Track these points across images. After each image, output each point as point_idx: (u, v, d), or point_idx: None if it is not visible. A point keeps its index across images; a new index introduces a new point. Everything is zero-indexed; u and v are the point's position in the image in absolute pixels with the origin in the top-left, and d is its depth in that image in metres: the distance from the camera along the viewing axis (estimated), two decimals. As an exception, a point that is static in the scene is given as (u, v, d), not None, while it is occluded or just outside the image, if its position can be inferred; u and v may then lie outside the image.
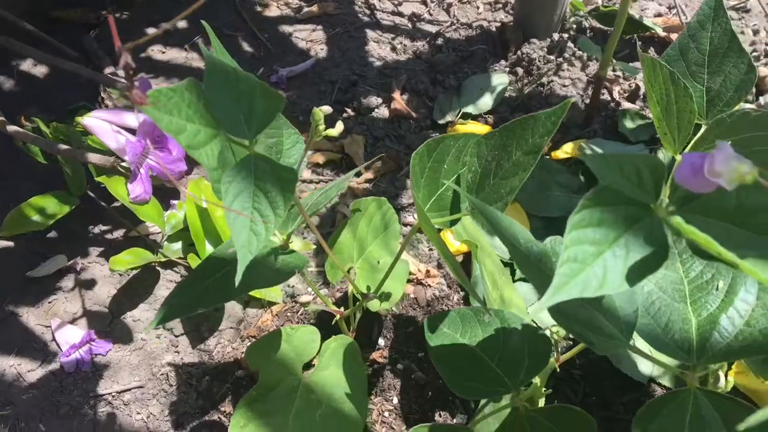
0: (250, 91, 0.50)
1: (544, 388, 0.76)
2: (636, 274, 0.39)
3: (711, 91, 0.67)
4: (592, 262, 0.39)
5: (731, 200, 0.40)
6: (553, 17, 1.30)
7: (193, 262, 1.04)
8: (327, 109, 0.57)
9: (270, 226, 0.47)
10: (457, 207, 0.64)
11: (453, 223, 0.65)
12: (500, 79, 1.26)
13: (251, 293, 1.05)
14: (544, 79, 1.27)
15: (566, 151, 1.13)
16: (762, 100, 1.20)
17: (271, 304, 1.05)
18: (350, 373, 0.74)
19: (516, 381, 0.60)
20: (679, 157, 0.69)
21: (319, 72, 1.36)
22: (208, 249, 1.06)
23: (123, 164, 1.04)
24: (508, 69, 1.31)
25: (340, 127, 0.58)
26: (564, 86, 1.26)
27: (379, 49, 1.40)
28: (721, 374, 0.61)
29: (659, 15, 1.38)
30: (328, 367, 0.74)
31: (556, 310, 0.50)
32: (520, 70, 1.29)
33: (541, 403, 0.72)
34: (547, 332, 0.64)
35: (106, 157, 1.03)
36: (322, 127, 0.56)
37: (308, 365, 0.77)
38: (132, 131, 1.05)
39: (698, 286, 0.56)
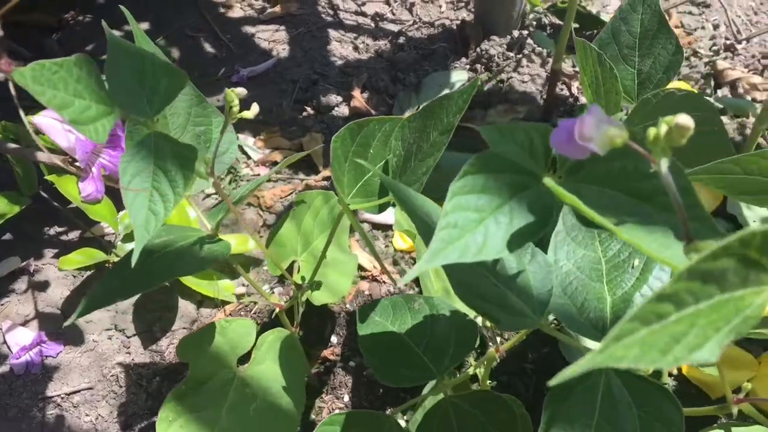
0: (154, 71, 0.49)
1: (489, 380, 0.75)
2: (517, 240, 0.39)
3: (642, 73, 0.67)
4: (474, 228, 0.39)
5: (616, 168, 0.40)
6: (512, 14, 1.30)
7: (144, 260, 1.03)
8: (241, 91, 0.56)
9: (169, 204, 0.46)
10: (385, 191, 0.64)
11: (382, 208, 0.64)
12: (459, 76, 1.26)
13: (204, 293, 1.04)
14: (504, 76, 1.26)
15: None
16: (720, 92, 1.20)
17: (224, 303, 1.04)
18: (287, 366, 0.72)
19: (441, 367, 0.59)
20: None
21: (281, 71, 1.35)
22: (161, 248, 1.04)
23: (75, 163, 1.03)
24: (468, 66, 1.31)
25: (255, 109, 0.58)
26: (523, 82, 1.25)
27: (342, 48, 1.40)
28: None
29: (620, 11, 1.38)
30: (264, 361, 0.73)
31: (457, 285, 0.49)
32: (480, 67, 1.29)
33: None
34: (479, 320, 0.63)
35: (56, 155, 1.02)
36: (236, 108, 0.56)
37: (245, 359, 0.75)
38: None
39: (615, 265, 0.56)
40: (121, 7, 0.63)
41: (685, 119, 0.33)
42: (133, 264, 0.44)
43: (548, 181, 0.37)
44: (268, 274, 1.05)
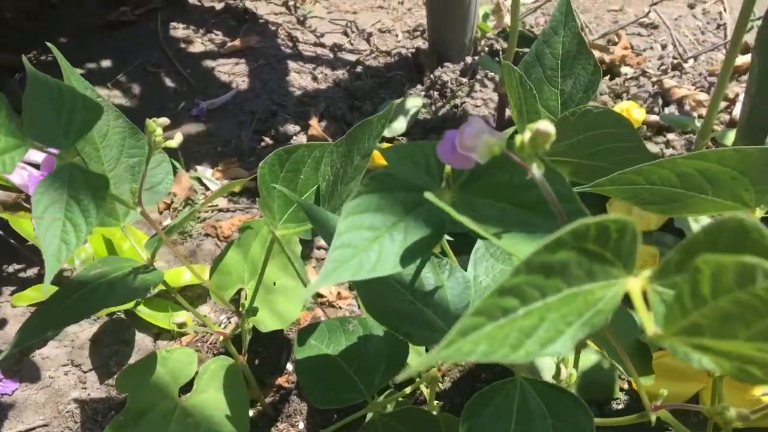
0: (72, 104, 0.51)
1: (435, 401, 0.76)
2: (411, 255, 0.40)
3: (564, 93, 0.69)
4: (368, 247, 0.40)
5: (504, 180, 0.41)
6: (464, 41, 1.33)
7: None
8: (164, 120, 0.57)
9: (81, 234, 0.47)
10: (317, 216, 0.65)
11: (315, 233, 0.65)
12: (414, 102, 1.28)
13: (161, 325, 1.04)
14: (458, 101, 1.29)
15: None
16: (667, 110, 1.22)
17: (181, 335, 1.04)
18: (231, 395, 0.72)
19: (371, 387, 0.60)
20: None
21: (240, 103, 1.37)
22: (116, 281, 1.05)
23: (29, 200, 1.04)
24: (423, 93, 1.33)
25: (179, 138, 0.59)
26: (476, 106, 1.28)
27: (300, 79, 1.42)
28: (563, 366, 0.61)
29: (571, 35, 1.41)
30: (207, 390, 0.73)
31: (369, 303, 0.50)
32: (434, 93, 1.31)
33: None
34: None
35: (9, 192, 1.02)
36: (159, 139, 0.57)
37: (189, 389, 0.75)
38: (37, 166, 1.05)
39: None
40: (48, 44, 0.64)
41: (545, 125, 0.34)
42: (44, 290, 0.45)
43: (430, 196, 0.38)
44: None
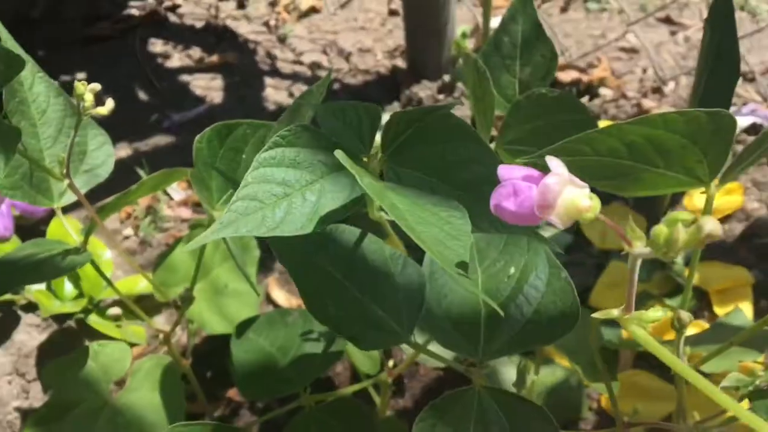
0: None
1: (388, 412, 0.71)
2: (322, 220, 0.37)
3: (522, 82, 0.66)
4: (275, 203, 0.36)
5: (437, 153, 0.38)
6: (440, 59, 1.32)
7: (47, 301, 0.98)
8: (94, 86, 0.54)
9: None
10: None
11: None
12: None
13: (112, 334, 0.99)
14: (434, 117, 1.26)
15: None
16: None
17: (132, 345, 0.99)
18: (166, 395, 0.68)
19: (304, 379, 0.55)
20: (493, 145, 0.66)
21: (213, 117, 1.34)
22: (67, 288, 1.00)
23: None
24: (400, 109, 1.31)
25: (110, 104, 0.56)
26: (452, 123, 1.25)
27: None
28: (528, 375, 0.57)
29: (550, 57, 1.40)
30: (140, 389, 0.68)
31: (307, 296, 0.46)
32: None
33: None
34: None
35: (-40, 192, 0.99)
36: (89, 103, 0.54)
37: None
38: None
39: (491, 275, 0.52)
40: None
41: (713, 226, 0.28)
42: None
43: (341, 156, 0.35)
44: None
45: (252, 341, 0.61)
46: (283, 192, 0.38)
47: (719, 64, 0.54)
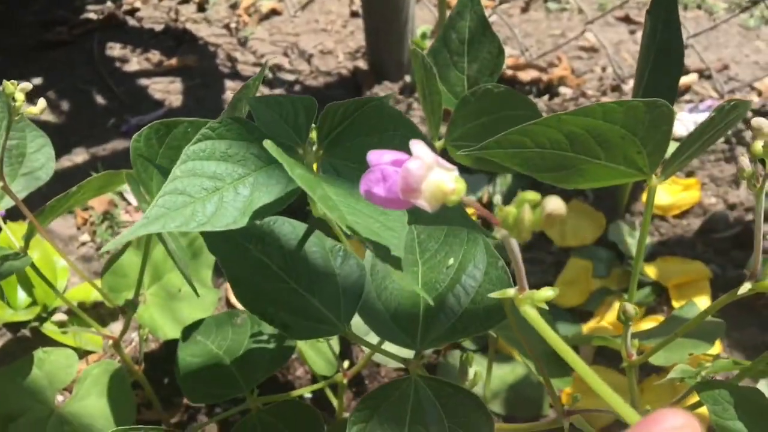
0: None
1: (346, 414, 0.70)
2: (255, 214, 0.36)
3: (470, 78, 0.66)
4: (206, 198, 0.35)
5: (373, 144, 0.37)
6: (401, 60, 1.31)
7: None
8: (25, 85, 0.53)
9: None
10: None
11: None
12: (349, 118, 1.25)
13: (67, 342, 0.97)
14: (395, 118, 1.26)
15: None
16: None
17: (88, 353, 0.97)
18: (115, 402, 0.66)
19: (251, 381, 0.54)
20: (438, 143, 0.66)
21: (172, 121, 1.33)
22: (20, 296, 0.98)
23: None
24: (361, 111, 1.30)
25: (42, 104, 0.54)
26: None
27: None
28: (470, 368, 0.57)
29: (511, 56, 1.41)
30: (88, 396, 0.66)
31: (238, 290, 0.46)
32: (371, 111, 1.29)
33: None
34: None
35: None
36: (20, 103, 0.52)
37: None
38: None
39: (431, 266, 0.52)
40: None
41: (556, 204, 0.27)
42: None
43: (270, 146, 0.34)
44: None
45: (199, 344, 0.60)
46: (214, 186, 0.38)
47: (662, 59, 0.54)
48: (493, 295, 0.35)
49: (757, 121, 0.37)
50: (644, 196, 1.11)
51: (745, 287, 0.41)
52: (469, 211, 0.37)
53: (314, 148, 0.44)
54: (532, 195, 0.28)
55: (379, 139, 0.41)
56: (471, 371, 0.58)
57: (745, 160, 0.39)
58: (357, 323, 0.50)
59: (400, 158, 0.31)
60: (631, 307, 0.50)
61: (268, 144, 0.36)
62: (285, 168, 0.38)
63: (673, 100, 0.58)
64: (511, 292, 0.36)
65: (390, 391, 0.46)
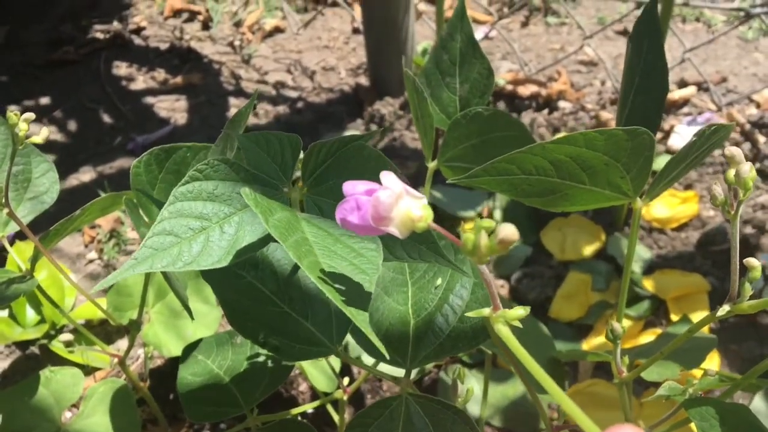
0: None
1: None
2: (240, 252, 0.37)
3: (462, 99, 0.67)
4: (192, 237, 0.37)
5: None
6: (402, 76, 1.33)
7: (8, 329, 0.98)
8: (28, 115, 0.55)
9: None
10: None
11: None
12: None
13: (75, 360, 0.98)
14: (396, 133, 1.28)
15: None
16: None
17: (95, 369, 0.99)
18: (120, 420, 0.68)
19: (251, 400, 0.56)
20: (432, 164, 0.67)
21: (177, 138, 1.35)
22: (29, 314, 1.00)
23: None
24: (364, 126, 1.32)
25: (44, 133, 0.56)
26: (415, 139, 1.26)
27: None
28: (461, 384, 0.58)
29: (510, 71, 1.42)
30: (94, 414, 0.68)
31: (231, 312, 0.47)
32: (374, 126, 1.30)
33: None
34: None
35: None
36: (22, 133, 0.54)
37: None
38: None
39: (420, 287, 0.54)
40: None
41: (509, 232, 0.29)
42: None
43: (246, 194, 0.36)
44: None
45: (200, 363, 0.61)
46: (201, 226, 0.39)
47: (647, 82, 0.55)
48: (470, 314, 0.37)
49: (730, 150, 0.38)
50: (644, 210, 1.12)
51: (724, 309, 0.42)
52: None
53: (299, 185, 0.45)
54: (487, 223, 0.31)
55: (361, 180, 0.42)
56: (464, 387, 0.60)
57: (717, 188, 0.40)
58: (354, 342, 0.52)
59: (372, 188, 0.33)
60: (618, 326, 0.52)
61: (245, 192, 0.37)
62: (273, 206, 0.39)
63: (660, 121, 0.59)
64: (486, 311, 0.37)
65: (381, 409, 0.48)
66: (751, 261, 0.44)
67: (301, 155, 0.44)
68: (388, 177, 0.32)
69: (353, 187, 0.33)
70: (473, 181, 0.50)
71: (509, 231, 0.29)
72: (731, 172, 0.38)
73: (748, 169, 0.38)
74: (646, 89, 0.56)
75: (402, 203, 0.32)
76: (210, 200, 0.39)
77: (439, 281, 0.53)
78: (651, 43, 0.56)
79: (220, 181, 0.39)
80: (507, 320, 0.36)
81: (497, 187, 0.50)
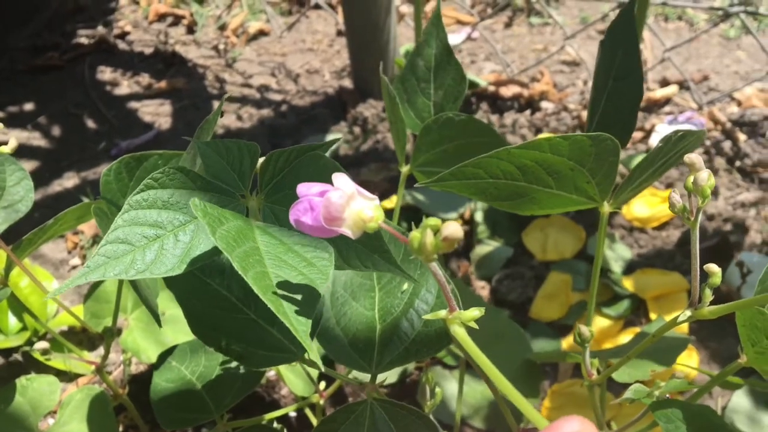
0: None
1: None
2: (194, 260, 0.37)
3: (436, 105, 0.68)
4: (146, 245, 0.37)
5: None
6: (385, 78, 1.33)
7: (-9, 335, 0.98)
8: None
9: None
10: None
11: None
12: (334, 137, 1.27)
13: (58, 366, 0.99)
14: (379, 136, 1.28)
15: (392, 200, 1.13)
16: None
17: (78, 376, 0.99)
18: (97, 427, 0.68)
19: (222, 405, 0.56)
20: (405, 168, 0.68)
21: (161, 143, 1.35)
22: (11, 321, 1.00)
23: None
24: (347, 129, 1.32)
25: (12, 143, 0.56)
26: (397, 141, 1.27)
27: (224, 118, 1.41)
28: (429, 387, 0.58)
29: (494, 72, 1.43)
30: (71, 422, 0.68)
31: (192, 319, 0.47)
32: (356, 129, 1.31)
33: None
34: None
35: None
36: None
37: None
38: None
39: (387, 292, 0.54)
40: None
41: (454, 230, 0.30)
42: None
43: (195, 204, 0.36)
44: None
45: (173, 369, 0.62)
46: (155, 234, 0.39)
47: (620, 86, 0.56)
48: (426, 316, 0.37)
49: (690, 158, 0.39)
50: (624, 209, 1.13)
51: (685, 314, 0.43)
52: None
53: (256, 193, 0.45)
54: (433, 221, 0.31)
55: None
56: (436, 390, 0.60)
57: (676, 196, 0.40)
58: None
59: (326, 189, 0.33)
60: (586, 330, 0.52)
61: (193, 203, 0.37)
62: (229, 214, 0.39)
63: (634, 125, 0.59)
64: (442, 313, 0.38)
65: (347, 414, 0.48)
66: (711, 267, 0.44)
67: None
68: (340, 179, 0.32)
69: (307, 189, 0.34)
70: (441, 185, 0.50)
71: (453, 229, 0.30)
72: (690, 179, 0.39)
73: (707, 177, 0.38)
74: (620, 93, 0.56)
75: (354, 204, 0.32)
76: (165, 208, 0.39)
77: (405, 286, 0.53)
78: (627, 47, 0.57)
79: (175, 190, 0.40)
80: (463, 321, 0.36)
81: (465, 191, 0.50)
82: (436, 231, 0.30)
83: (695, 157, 0.40)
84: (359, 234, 0.32)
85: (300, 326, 0.32)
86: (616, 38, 0.59)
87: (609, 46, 0.59)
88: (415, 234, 0.31)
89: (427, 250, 0.31)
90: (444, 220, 0.32)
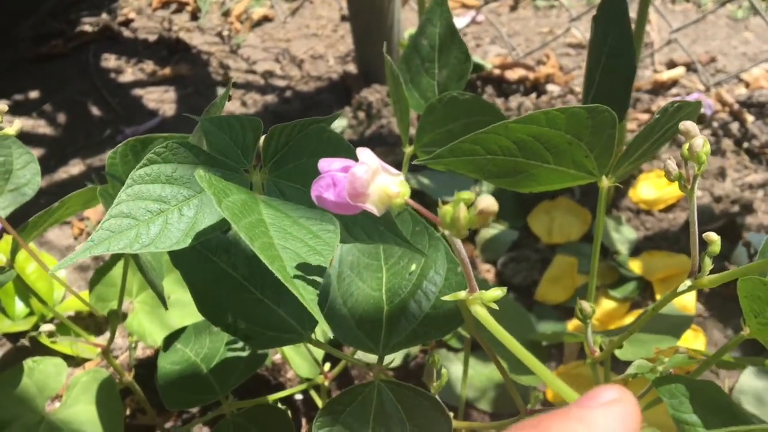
0: None
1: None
2: (199, 234, 0.37)
3: (440, 84, 0.67)
4: (151, 220, 0.37)
5: (315, 167, 0.38)
6: (389, 61, 1.33)
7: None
8: (2, 107, 0.55)
9: None
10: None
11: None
12: (339, 122, 1.27)
13: (65, 351, 0.99)
14: (384, 120, 1.27)
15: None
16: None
17: (84, 360, 1.00)
18: (104, 409, 0.68)
19: (226, 386, 0.56)
20: (408, 149, 0.67)
21: (166, 129, 1.35)
22: (18, 306, 1.01)
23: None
24: (351, 114, 1.32)
25: (17, 125, 0.56)
26: (402, 125, 1.26)
27: (229, 104, 1.41)
28: (435, 369, 0.58)
29: (499, 55, 1.42)
30: (77, 403, 0.68)
31: (199, 297, 0.47)
32: (361, 114, 1.30)
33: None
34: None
35: None
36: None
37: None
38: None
39: (395, 273, 0.54)
40: None
41: (489, 202, 0.29)
42: None
43: (200, 176, 0.36)
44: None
45: (179, 352, 0.62)
46: (159, 208, 0.39)
47: (614, 62, 0.55)
48: (446, 297, 0.37)
49: (684, 125, 0.38)
50: (630, 192, 1.12)
51: (685, 284, 0.42)
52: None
53: (260, 168, 0.45)
54: (466, 194, 0.30)
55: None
56: (442, 372, 0.60)
57: (672, 164, 0.40)
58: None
59: (348, 165, 0.32)
60: (587, 306, 0.52)
61: (199, 174, 0.37)
62: (234, 188, 0.39)
63: (629, 100, 0.59)
64: (462, 294, 0.37)
65: (353, 395, 0.48)
66: (711, 235, 0.44)
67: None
68: (364, 153, 0.32)
69: (329, 164, 0.33)
70: (440, 162, 0.50)
71: (488, 202, 0.29)
72: (686, 146, 0.38)
73: (702, 143, 0.38)
74: (613, 70, 0.55)
75: (379, 179, 0.31)
76: (169, 183, 0.39)
77: (413, 267, 0.53)
78: (618, 23, 0.56)
79: (179, 164, 0.40)
80: (484, 302, 0.36)
81: (463, 168, 0.50)
82: (470, 205, 0.30)
83: (690, 124, 0.40)
84: (383, 210, 0.32)
85: (308, 295, 0.32)
86: (608, 15, 0.58)
87: (601, 22, 0.59)
88: (447, 208, 0.30)
89: (460, 224, 0.30)
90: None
